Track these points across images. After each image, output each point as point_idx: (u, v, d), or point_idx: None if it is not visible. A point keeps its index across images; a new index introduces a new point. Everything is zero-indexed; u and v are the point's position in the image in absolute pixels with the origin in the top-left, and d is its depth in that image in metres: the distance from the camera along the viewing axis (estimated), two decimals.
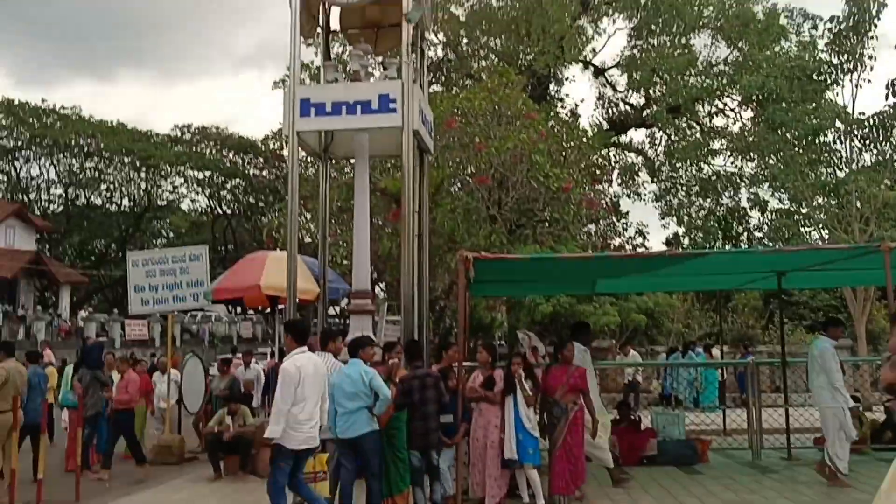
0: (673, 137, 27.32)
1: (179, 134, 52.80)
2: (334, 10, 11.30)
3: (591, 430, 8.07)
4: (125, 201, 53.72)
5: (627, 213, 25.97)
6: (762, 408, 11.38)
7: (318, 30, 11.78)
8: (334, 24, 11.72)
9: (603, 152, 23.83)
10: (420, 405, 7.34)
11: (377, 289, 25.88)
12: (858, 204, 16.10)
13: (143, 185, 53.03)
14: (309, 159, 20.00)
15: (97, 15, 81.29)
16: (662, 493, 8.22)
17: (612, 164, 26.71)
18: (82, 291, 50.25)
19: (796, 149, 17.29)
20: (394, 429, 7.30)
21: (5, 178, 50.52)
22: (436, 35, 26.38)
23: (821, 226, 17.18)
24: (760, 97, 18.43)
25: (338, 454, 7.24)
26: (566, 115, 27.43)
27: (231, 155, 52.98)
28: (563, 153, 18.64)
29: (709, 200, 25.01)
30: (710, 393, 15.81)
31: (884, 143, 16.20)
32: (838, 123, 16.50)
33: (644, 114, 28.73)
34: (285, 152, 28.38)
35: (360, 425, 6.93)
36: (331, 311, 22.40)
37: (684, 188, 26.04)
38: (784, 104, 17.23)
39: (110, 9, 78.59)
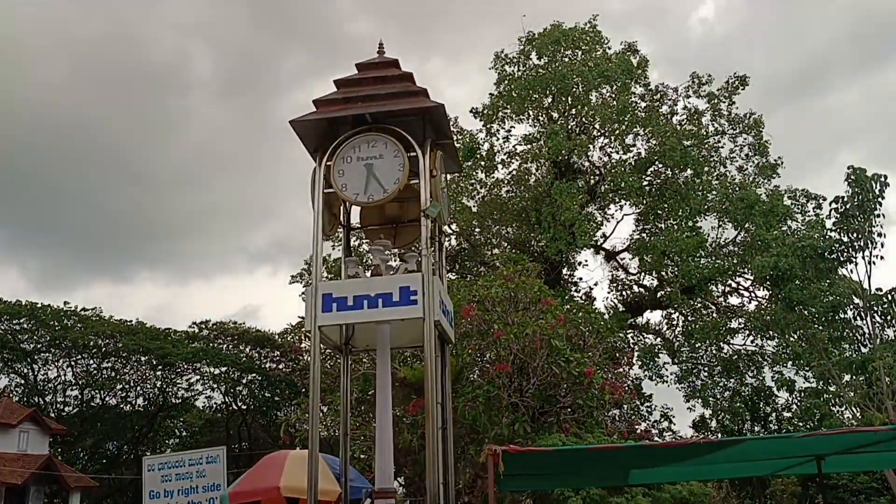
0: (689, 318, 27.37)
1: (197, 331, 53.38)
2: (354, 208, 11.75)
3: None
4: (140, 401, 53.31)
5: (651, 395, 25.52)
6: None
7: (339, 227, 12.18)
8: (354, 220, 12.15)
9: (621, 335, 23.82)
10: None
11: (396, 482, 24.96)
12: (888, 380, 15.75)
13: (158, 384, 52.87)
14: (326, 352, 20.02)
15: (113, 220, 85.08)
16: None
17: (631, 346, 26.62)
18: (93, 497, 48.67)
19: (817, 326, 17.21)
20: None
21: (23, 382, 50.60)
22: (449, 226, 27.31)
23: (852, 404, 16.73)
24: (774, 276, 18.61)
25: None
26: (581, 298, 27.74)
27: (248, 350, 53.22)
28: (582, 337, 18.62)
29: (732, 380, 24.64)
30: None
31: None
32: (856, 300, 16.53)
33: (658, 295, 28.97)
34: (304, 345, 28.57)
35: None
36: None
37: (706, 369, 25.75)
38: (798, 282, 17.36)
39: (125, 214, 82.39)
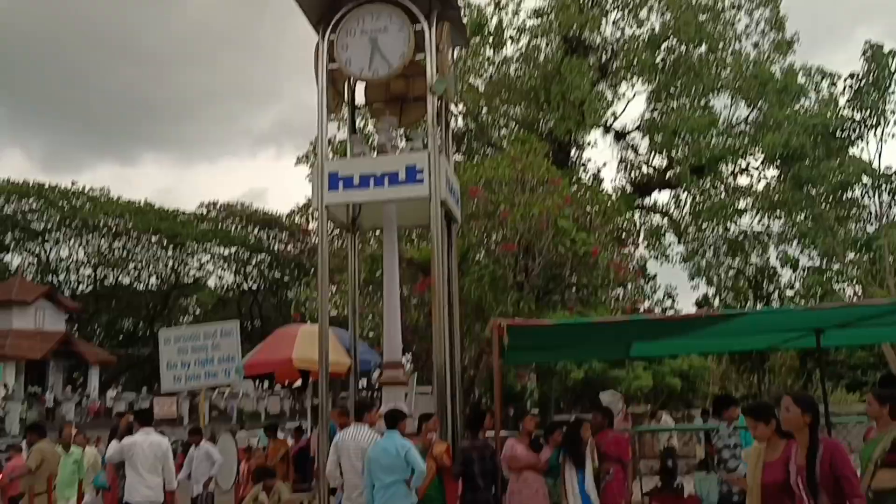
0: (698, 198, 27.26)
1: (205, 212, 53.72)
2: (359, 84, 11.53)
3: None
4: (153, 280, 54.36)
5: (655, 275, 25.79)
6: None
7: (344, 105, 12.00)
8: (359, 98, 11.96)
9: (628, 215, 23.83)
10: (476, 477, 7.19)
11: (404, 358, 25.65)
12: (891, 259, 15.87)
13: (170, 264, 53.72)
14: (335, 232, 20.16)
15: (117, 101, 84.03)
16: None
17: (638, 226, 26.67)
18: (111, 371, 50.47)
19: (824, 205, 17.19)
20: (430, 501, 7.13)
21: (35, 261, 51.44)
22: (456, 106, 26.83)
23: (854, 281, 16.93)
24: (784, 155, 18.42)
25: None
26: (589, 179, 27.57)
27: (256, 231, 53.72)
28: (588, 218, 18.64)
29: (737, 260, 24.83)
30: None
31: None
32: (865, 178, 16.43)
33: (667, 175, 28.74)
34: (311, 226, 28.77)
35: (397, 499, 6.78)
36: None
37: (712, 249, 25.89)
38: (808, 161, 17.21)
39: (131, 95, 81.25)
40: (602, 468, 7.80)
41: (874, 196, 16.53)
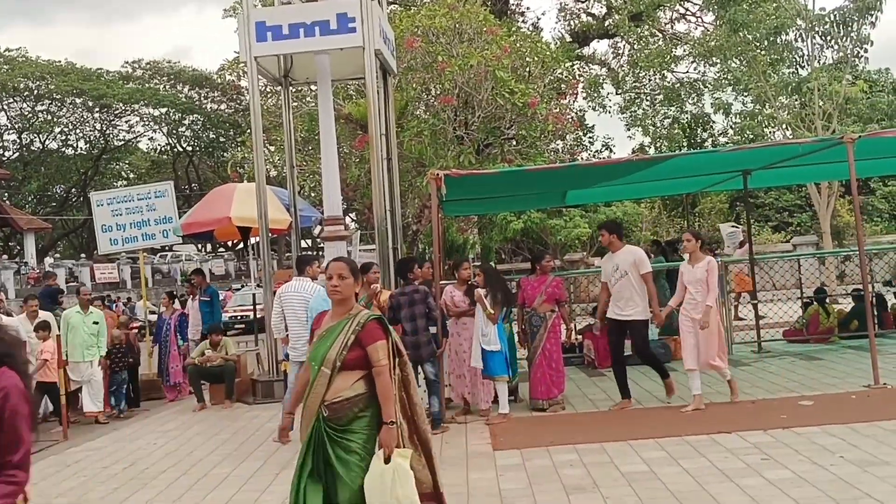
0: (636, 46, 27.03)
1: (131, 70, 51.25)
2: None
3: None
4: (81, 144, 52.48)
5: (593, 126, 25.97)
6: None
7: None
8: None
9: (567, 65, 23.57)
10: (409, 320, 7.47)
11: (348, 218, 25.80)
12: (821, 102, 16.21)
13: (98, 127, 51.73)
14: (269, 89, 19.58)
15: None
16: (637, 390, 8.50)
17: (577, 77, 26.47)
18: (47, 238, 49.49)
19: (758, 50, 17.24)
20: None
21: None
22: None
23: (784, 125, 17.31)
24: None
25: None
26: (528, 29, 27.01)
27: (186, 90, 51.68)
28: (527, 68, 18.42)
29: (673, 109, 25.03)
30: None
31: (845, 39, 16.21)
32: (799, 21, 16.44)
33: (606, 24, 28.33)
34: (243, 83, 27.81)
35: None
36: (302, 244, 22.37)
37: (649, 98, 25.99)
38: (745, 4, 17.08)
39: None
40: (544, 309, 8.21)
41: (807, 39, 16.63)
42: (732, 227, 17.44)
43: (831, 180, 15.82)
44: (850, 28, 15.96)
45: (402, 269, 8.02)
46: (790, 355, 10.57)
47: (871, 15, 15.55)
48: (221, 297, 14.38)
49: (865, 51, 16.59)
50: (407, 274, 7.82)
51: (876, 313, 11.04)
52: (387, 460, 3.74)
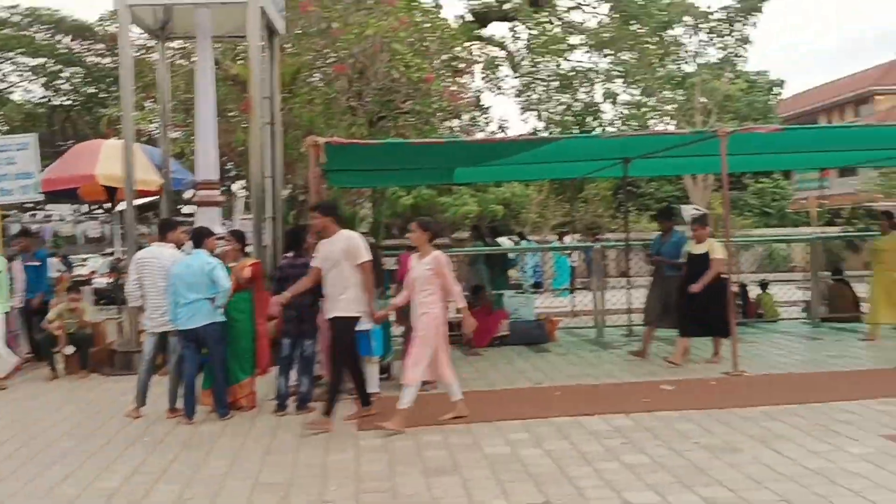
0: (534, 31, 27.22)
1: (7, 16, 47.63)
2: None
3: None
4: None
5: (489, 107, 26.03)
6: (608, 290, 11.99)
7: None
8: None
9: (466, 45, 23.45)
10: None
11: (238, 185, 24.96)
12: (702, 98, 16.79)
13: None
14: (150, 44, 18.52)
15: None
16: (511, 369, 8.54)
17: (475, 57, 26.40)
18: None
19: (647, 44, 17.68)
20: (240, 313, 7.14)
21: None
22: None
23: (667, 118, 17.87)
24: None
25: (180, 346, 6.97)
26: (430, 3, 26.72)
27: (67, 41, 48.51)
28: (425, 43, 18.18)
29: (566, 96, 25.39)
30: (561, 277, 16.43)
31: (728, 37, 16.83)
32: (687, 18, 16.94)
33: (505, 7, 28.36)
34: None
35: (200, 316, 6.72)
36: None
37: (544, 84, 26.25)
38: None
39: None
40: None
41: (694, 36, 17.19)
42: (695, 209, 17.76)
43: (706, 173, 16.44)
44: (732, 27, 16.58)
45: (296, 238, 7.59)
46: (658, 340, 10.89)
47: (754, 16, 16.20)
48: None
49: (745, 50, 17.32)
50: (301, 244, 7.46)
51: (740, 302, 11.56)
52: None
